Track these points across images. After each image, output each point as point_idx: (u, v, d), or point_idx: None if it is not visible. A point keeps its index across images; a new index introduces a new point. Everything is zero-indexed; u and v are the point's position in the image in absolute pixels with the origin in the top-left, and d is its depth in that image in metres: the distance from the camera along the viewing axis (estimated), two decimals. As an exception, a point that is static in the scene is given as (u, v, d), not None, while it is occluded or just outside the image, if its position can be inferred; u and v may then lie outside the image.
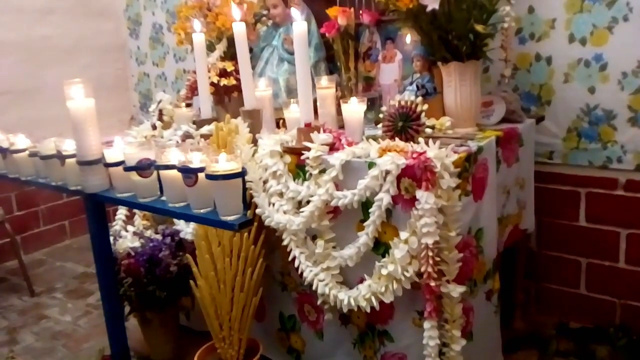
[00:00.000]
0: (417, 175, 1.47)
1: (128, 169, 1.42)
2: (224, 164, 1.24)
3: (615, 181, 2.14)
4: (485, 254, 1.74)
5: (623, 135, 2.09)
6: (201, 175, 1.27)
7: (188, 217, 1.38)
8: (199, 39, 2.04)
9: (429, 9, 1.67)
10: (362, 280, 1.63)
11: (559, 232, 2.31)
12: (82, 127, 1.51)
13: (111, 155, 1.50)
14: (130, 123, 4.01)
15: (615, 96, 2.08)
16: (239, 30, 1.86)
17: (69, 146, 1.62)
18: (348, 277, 1.69)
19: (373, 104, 2.12)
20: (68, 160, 1.60)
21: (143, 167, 1.40)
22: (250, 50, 2.36)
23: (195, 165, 1.29)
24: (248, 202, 1.75)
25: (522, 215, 2.05)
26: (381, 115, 1.75)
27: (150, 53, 3.80)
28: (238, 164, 1.25)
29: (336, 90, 1.96)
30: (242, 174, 1.24)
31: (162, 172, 1.37)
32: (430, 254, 1.46)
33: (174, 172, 1.33)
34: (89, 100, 1.52)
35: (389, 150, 1.56)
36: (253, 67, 2.32)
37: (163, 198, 1.44)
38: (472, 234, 1.67)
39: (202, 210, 1.32)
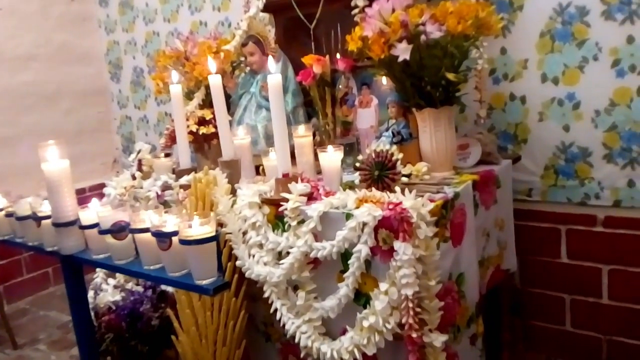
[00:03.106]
0: (394, 226, 1.47)
1: (103, 232, 1.41)
2: (198, 229, 1.23)
3: (594, 217, 2.16)
4: (467, 299, 1.73)
5: (599, 172, 2.11)
6: (175, 239, 1.27)
7: (163, 281, 1.38)
8: (176, 90, 2.05)
9: (400, 59, 1.69)
10: (344, 331, 1.62)
11: (541, 269, 2.31)
12: (57, 189, 1.51)
13: (86, 217, 1.49)
14: (114, 166, 4.01)
15: (589, 134, 2.11)
16: (215, 82, 1.88)
17: (45, 207, 1.61)
18: (330, 328, 1.67)
19: (352, 149, 2.13)
20: (44, 222, 1.59)
21: (117, 230, 1.40)
22: (229, 97, 2.37)
23: (168, 229, 1.28)
24: (227, 255, 1.74)
25: (503, 255, 2.05)
26: (357, 164, 1.76)
27: (131, 96, 3.82)
28: (212, 227, 1.25)
29: (314, 136, 1.97)
30: (215, 239, 1.24)
31: (137, 235, 1.36)
32: (411, 305, 1.45)
33: (149, 235, 1.32)
34: (63, 161, 1.51)
35: (366, 201, 1.56)
36: (232, 115, 2.32)
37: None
38: (453, 280, 1.66)
39: (177, 274, 1.31)
